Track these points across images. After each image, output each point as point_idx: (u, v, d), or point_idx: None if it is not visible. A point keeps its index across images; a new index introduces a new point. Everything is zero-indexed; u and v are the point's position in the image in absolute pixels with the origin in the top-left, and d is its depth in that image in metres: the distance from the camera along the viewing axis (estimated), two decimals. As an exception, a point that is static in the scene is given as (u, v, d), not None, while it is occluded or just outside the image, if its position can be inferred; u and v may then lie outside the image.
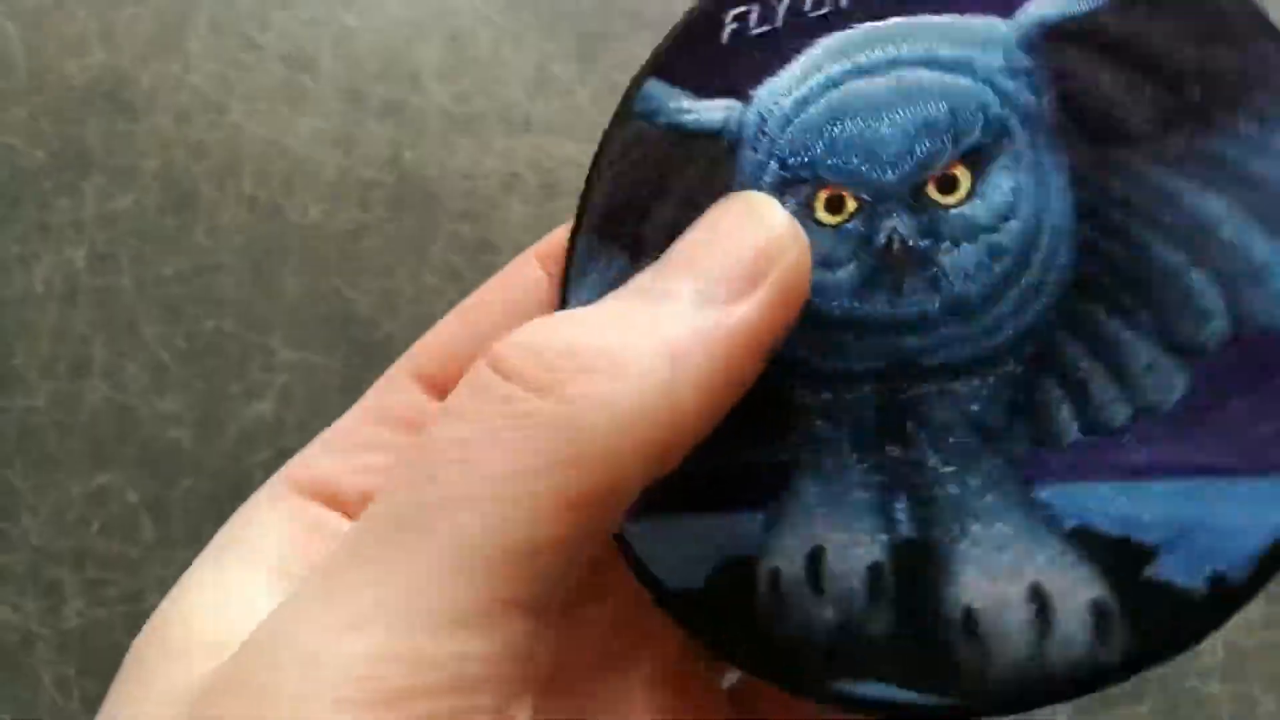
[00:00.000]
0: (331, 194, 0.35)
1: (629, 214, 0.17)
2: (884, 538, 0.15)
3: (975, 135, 0.16)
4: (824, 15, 0.17)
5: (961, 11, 0.16)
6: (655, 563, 0.16)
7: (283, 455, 0.23)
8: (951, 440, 0.15)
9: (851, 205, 0.16)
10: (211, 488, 0.33)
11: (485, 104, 0.35)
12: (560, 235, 0.19)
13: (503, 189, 0.34)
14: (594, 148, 0.36)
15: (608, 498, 0.13)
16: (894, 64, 0.16)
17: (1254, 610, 0.30)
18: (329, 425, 0.19)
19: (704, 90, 0.17)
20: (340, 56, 0.36)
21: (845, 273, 0.16)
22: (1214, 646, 0.30)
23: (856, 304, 0.16)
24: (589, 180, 0.18)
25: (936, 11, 0.16)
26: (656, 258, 0.16)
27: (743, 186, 0.17)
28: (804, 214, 0.16)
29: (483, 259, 0.34)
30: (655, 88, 0.18)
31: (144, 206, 0.35)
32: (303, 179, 0.35)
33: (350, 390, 0.35)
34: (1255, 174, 0.14)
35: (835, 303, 0.16)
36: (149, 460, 0.33)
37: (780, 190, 0.16)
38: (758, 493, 0.16)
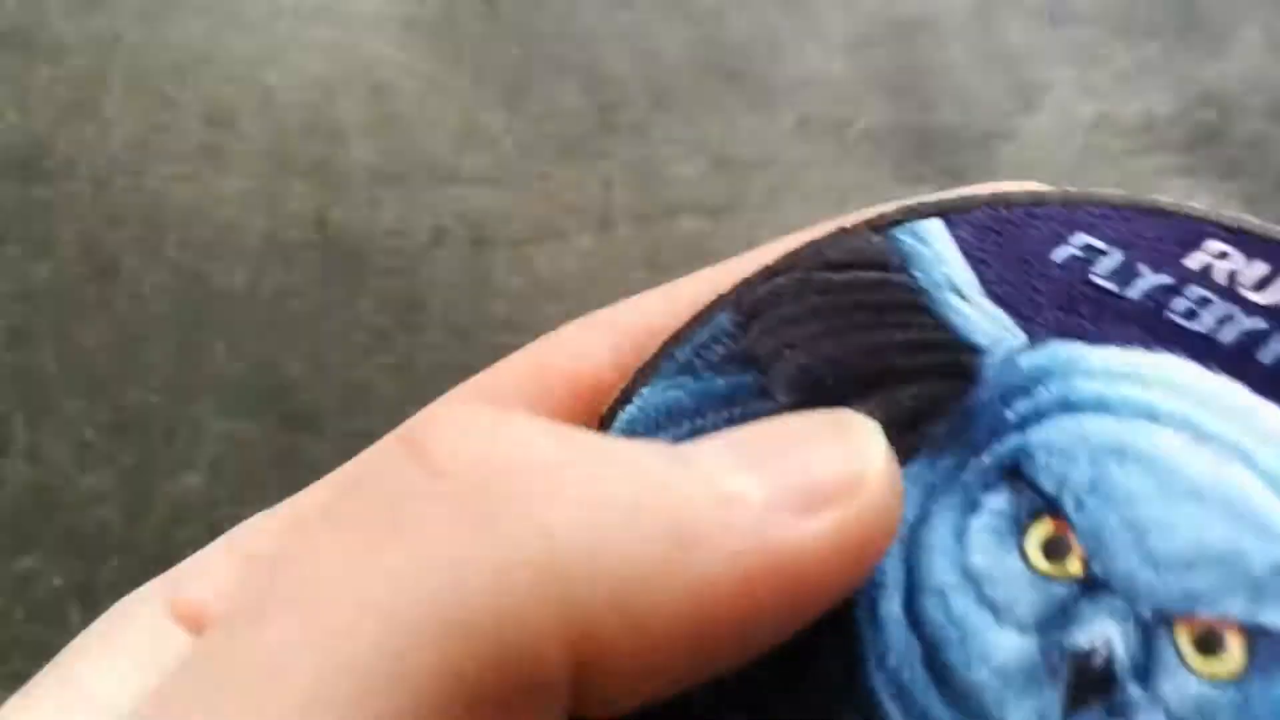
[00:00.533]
0: (257, 257, 0.34)
1: (794, 337, 0.13)
2: None
3: None
4: (1191, 331, 0.12)
5: None
6: None
7: (215, 530, 0.22)
8: None
9: (1075, 565, 0.11)
10: (141, 567, 0.32)
11: (411, 157, 0.34)
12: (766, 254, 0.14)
13: (430, 243, 0.34)
14: (522, 196, 0.35)
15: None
16: (1239, 454, 0.12)
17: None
18: (261, 496, 0.16)
19: (993, 287, 0.13)
20: (262, 114, 0.35)
21: (1013, 642, 0.11)
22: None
23: (1001, 692, 0.11)
24: (783, 258, 0.13)
25: None
26: (793, 407, 0.12)
27: (961, 433, 0.12)
28: (1012, 529, 0.12)
29: (411, 317, 0.33)
30: (936, 234, 0.13)
31: (63, 276, 0.34)
32: (227, 243, 0.34)
33: (282, 460, 0.34)
34: None
35: (976, 667, 0.11)
36: (74, 542, 0.32)
37: (999, 474, 0.12)
38: None
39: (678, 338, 0.13)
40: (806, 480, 0.10)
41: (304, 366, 0.33)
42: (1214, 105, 0.35)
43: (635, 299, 0.15)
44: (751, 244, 0.24)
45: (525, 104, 0.35)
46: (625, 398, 0.13)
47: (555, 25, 0.36)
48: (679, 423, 0.13)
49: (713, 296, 0.13)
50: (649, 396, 0.13)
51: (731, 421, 0.12)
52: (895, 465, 0.11)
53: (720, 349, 0.13)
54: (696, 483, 0.10)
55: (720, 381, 0.13)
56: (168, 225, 0.34)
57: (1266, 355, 0.12)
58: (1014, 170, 0.35)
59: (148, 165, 0.35)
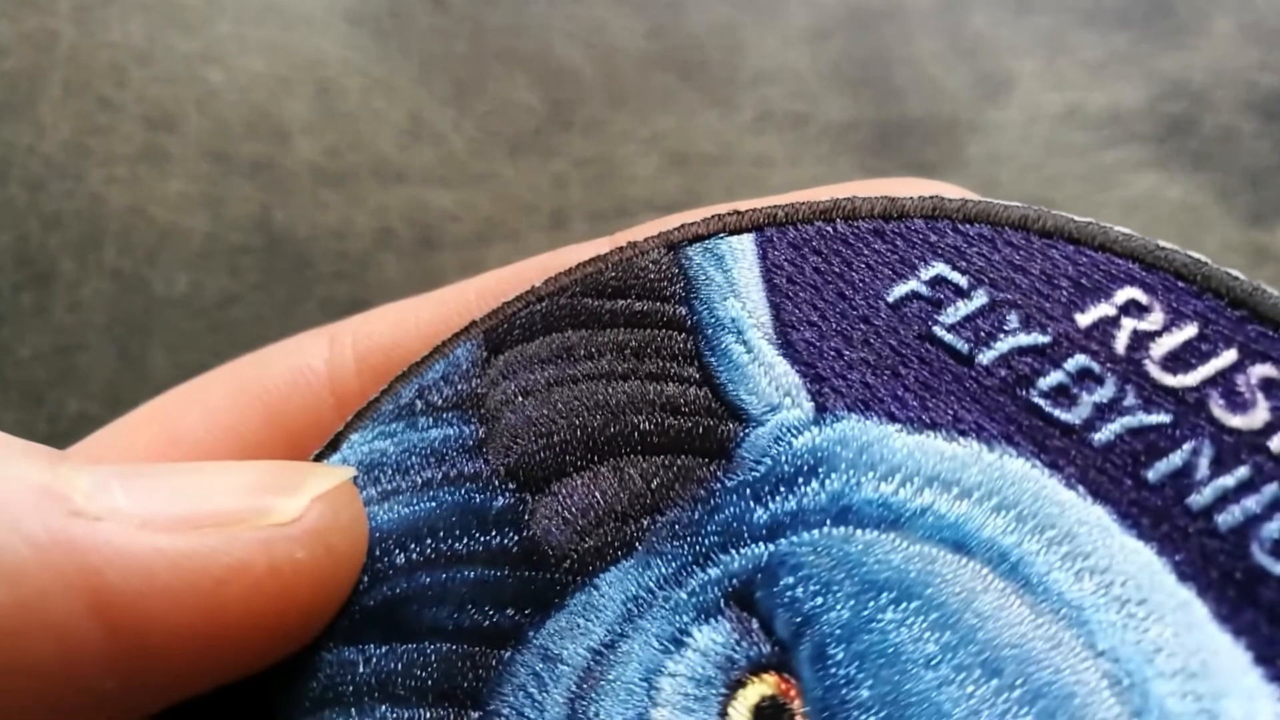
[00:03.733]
0: (199, 261, 0.33)
1: (535, 385, 0.11)
2: None
3: None
4: (1056, 421, 0.09)
5: (1270, 663, 0.08)
6: None
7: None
8: None
9: None
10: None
11: (357, 157, 0.33)
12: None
13: (377, 245, 0.32)
14: (472, 195, 0.34)
15: None
16: (1076, 619, 0.08)
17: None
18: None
19: (789, 332, 0.10)
20: (203, 114, 0.34)
21: None
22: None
23: None
24: (551, 280, 0.11)
25: (1227, 611, 0.08)
26: (508, 477, 0.10)
27: (694, 530, 0.09)
28: (717, 682, 0.09)
29: (356, 324, 0.32)
30: (740, 254, 0.10)
31: (-2, 285, 0.33)
32: (168, 248, 0.33)
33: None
34: None
35: None
36: (9, 560, 0.31)
37: (723, 598, 0.09)
38: None
39: (408, 373, 0.11)
40: (190, 503, 0.10)
41: (246, 374, 0.32)
42: (1184, 97, 0.35)
43: (389, 307, 0.14)
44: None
45: (474, 101, 0.34)
46: (335, 443, 0.11)
47: (505, 19, 0.35)
48: (377, 480, 0.11)
49: (471, 310, 0.11)
50: (357, 444, 0.11)
51: (434, 484, 0.10)
52: (316, 520, 0.10)
53: (449, 390, 0.11)
54: (34, 479, 0.09)
55: (435, 432, 0.11)
56: (106, 229, 0.33)
57: (1156, 471, 0.08)
58: (981, 164, 0.34)
59: (85, 168, 0.34)
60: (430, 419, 0.11)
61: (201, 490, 0.10)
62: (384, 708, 0.10)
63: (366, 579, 0.10)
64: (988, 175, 0.34)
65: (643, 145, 0.34)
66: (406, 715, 0.10)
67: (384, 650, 0.10)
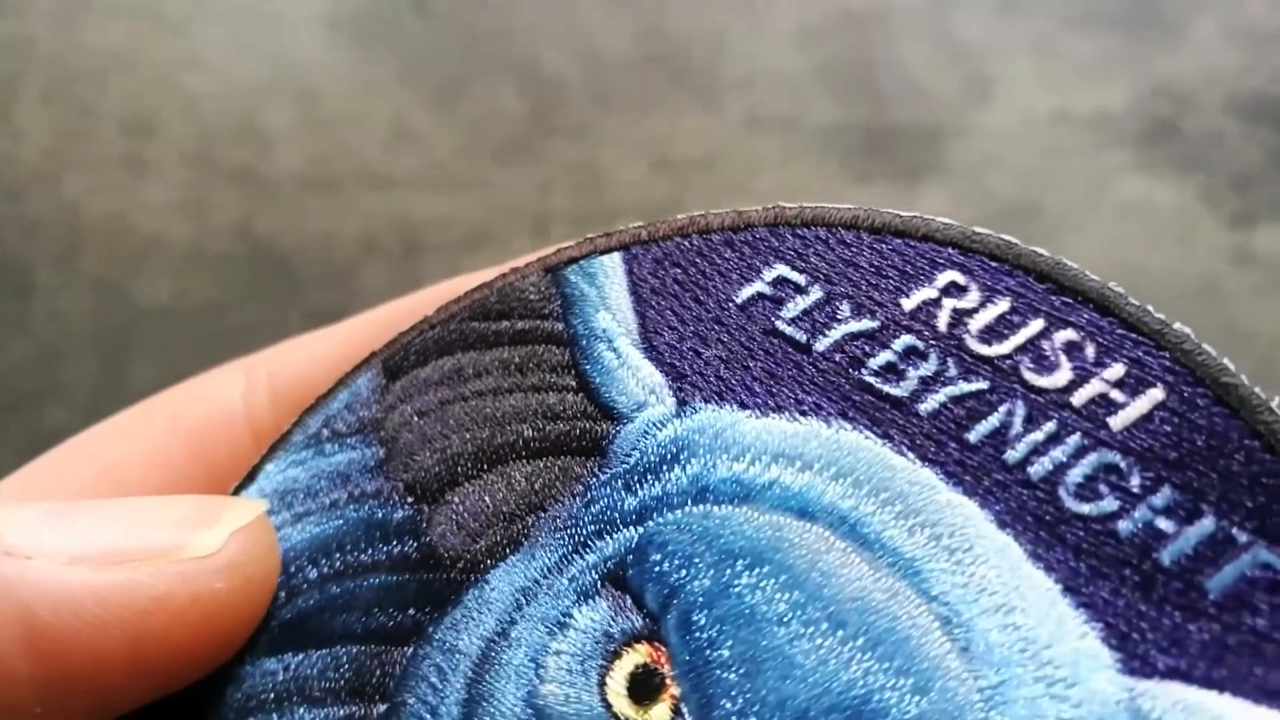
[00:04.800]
0: (181, 269, 0.32)
1: (429, 406, 0.11)
2: None
3: None
4: (886, 395, 0.10)
5: (1074, 587, 0.09)
6: None
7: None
8: None
9: (662, 711, 0.09)
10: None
11: (341, 163, 0.33)
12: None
13: (361, 253, 0.32)
14: (457, 201, 0.34)
15: None
16: (908, 570, 0.09)
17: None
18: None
19: (653, 337, 0.11)
20: (184, 121, 0.34)
21: None
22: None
23: None
24: (445, 308, 0.12)
25: (1041, 551, 0.09)
26: (407, 491, 0.11)
27: (571, 521, 0.10)
28: (596, 655, 0.10)
29: (341, 332, 0.32)
30: (610, 271, 0.11)
31: (-24, 294, 0.32)
32: (150, 256, 0.32)
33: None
34: None
35: None
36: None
37: (600, 580, 0.10)
38: None
39: (315, 405, 0.12)
40: (112, 539, 0.10)
41: (230, 384, 0.31)
42: (1171, 99, 0.35)
43: (300, 340, 0.15)
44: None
45: (459, 105, 0.34)
46: (252, 474, 0.12)
47: (490, 23, 0.35)
48: (290, 504, 0.12)
49: (375, 340, 0.12)
50: (271, 474, 0.12)
51: (340, 504, 0.11)
52: (234, 554, 0.11)
53: (352, 417, 0.12)
54: None
55: (340, 457, 0.11)
56: (87, 238, 0.33)
57: (977, 432, 0.10)
58: (969, 167, 0.34)
59: (65, 175, 0.33)
60: (336, 445, 0.12)
61: (124, 527, 0.11)
62: (302, 710, 0.11)
63: (283, 595, 0.11)
64: (975, 179, 0.33)
65: (629, 150, 0.34)
66: (322, 714, 0.11)
67: (300, 658, 0.11)
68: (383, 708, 0.10)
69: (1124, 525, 0.09)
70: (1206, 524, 0.09)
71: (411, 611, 0.11)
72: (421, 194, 0.33)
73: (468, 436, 0.11)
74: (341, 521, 0.11)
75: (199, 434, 0.14)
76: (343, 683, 0.11)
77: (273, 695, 0.11)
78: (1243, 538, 0.09)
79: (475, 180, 0.33)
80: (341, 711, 0.10)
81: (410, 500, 0.11)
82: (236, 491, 0.12)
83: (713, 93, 0.35)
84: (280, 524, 0.12)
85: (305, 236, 0.32)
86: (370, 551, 0.11)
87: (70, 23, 0.35)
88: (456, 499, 0.11)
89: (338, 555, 0.11)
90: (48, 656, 0.10)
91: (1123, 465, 0.09)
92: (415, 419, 0.12)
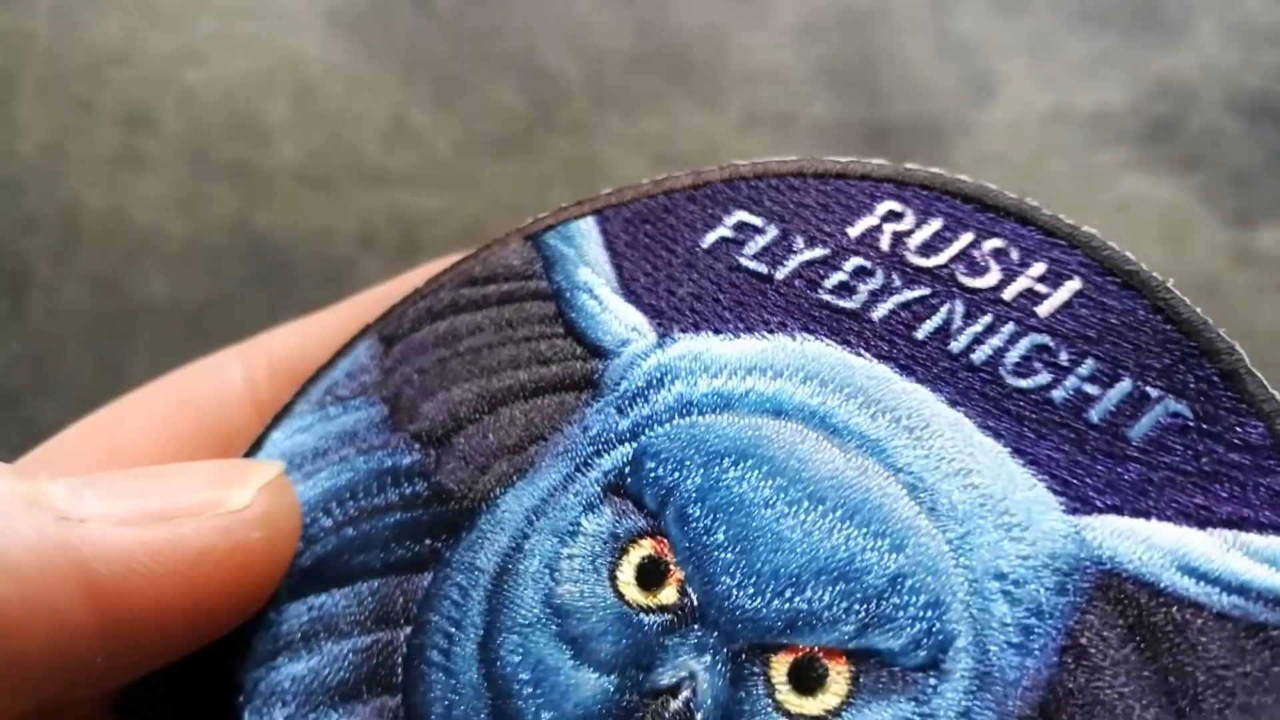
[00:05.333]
0: (178, 265, 0.32)
1: (426, 365, 0.12)
2: None
3: (897, 640, 0.10)
4: (840, 309, 0.11)
5: (1019, 446, 0.10)
6: None
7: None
8: None
9: (669, 594, 0.10)
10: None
11: (339, 158, 0.33)
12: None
13: (359, 248, 0.32)
14: (456, 197, 0.34)
15: None
16: (873, 449, 0.10)
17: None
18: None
19: (631, 284, 0.12)
20: (182, 115, 0.34)
21: (590, 682, 0.10)
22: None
23: None
24: (433, 279, 0.13)
25: (987, 420, 0.10)
26: (413, 439, 0.12)
27: (572, 445, 0.11)
28: (605, 553, 0.10)
29: (339, 328, 0.32)
30: (585, 232, 0.13)
31: (-27, 289, 0.32)
32: (146, 250, 0.32)
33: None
34: None
35: (545, 716, 0.10)
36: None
37: (607, 491, 0.11)
38: None
39: (316, 376, 0.13)
40: (155, 502, 0.11)
41: (227, 379, 0.31)
42: (1171, 97, 0.35)
43: (287, 327, 0.16)
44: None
45: (458, 101, 0.34)
46: (258, 443, 0.13)
47: (490, 18, 0.35)
48: (300, 465, 0.12)
49: (364, 318, 0.13)
50: (278, 441, 0.13)
51: (349, 458, 0.12)
52: (263, 507, 0.11)
53: (353, 383, 0.13)
54: (21, 496, 0.11)
55: (345, 418, 0.12)
56: (84, 232, 0.32)
57: (924, 329, 0.11)
58: (968, 164, 0.34)
59: (62, 170, 0.33)
60: (340, 408, 0.13)
61: (162, 490, 0.11)
62: (329, 643, 0.12)
63: (301, 544, 0.12)
64: (974, 176, 0.33)
65: (628, 146, 0.34)
66: (348, 645, 0.12)
67: (324, 598, 0.12)
68: (408, 630, 0.11)
69: (1057, 393, 0.11)
70: (1124, 385, 0.11)
71: (428, 541, 0.11)
72: (420, 190, 0.33)
73: (467, 386, 0.12)
74: (352, 472, 0.12)
75: (204, 411, 0.15)
76: (368, 613, 0.12)
77: (299, 634, 0.12)
78: (1154, 393, 0.11)
79: (474, 176, 0.33)
80: (368, 639, 0.11)
81: (418, 447, 0.12)
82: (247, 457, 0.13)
83: (712, 89, 0.35)
84: (292, 483, 0.13)
85: (303, 232, 0.32)
86: (382, 495, 0.12)
87: (68, 16, 0.35)
88: (461, 440, 0.12)
89: (350, 502, 0.12)
90: (108, 609, 0.11)
91: (1052, 344, 0.11)
92: (415, 376, 0.12)
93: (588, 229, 0.13)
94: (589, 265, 0.13)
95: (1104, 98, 0.35)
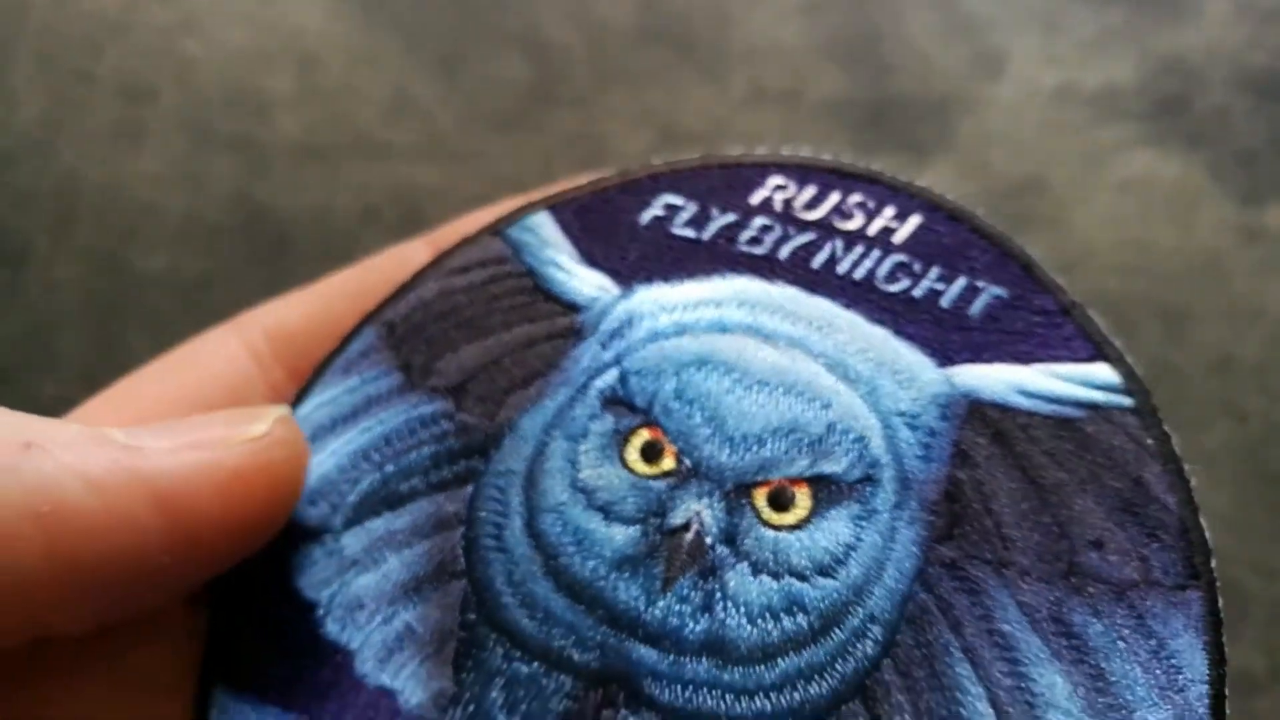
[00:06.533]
0: (177, 239, 0.32)
1: (433, 336, 0.15)
2: None
3: (839, 465, 0.14)
4: (754, 255, 0.15)
5: (898, 330, 0.15)
6: None
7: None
8: None
9: (668, 463, 0.14)
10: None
11: (339, 132, 0.33)
12: (464, 227, 0.17)
13: (360, 223, 0.32)
14: (458, 172, 0.33)
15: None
16: (797, 344, 0.15)
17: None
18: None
19: (589, 254, 0.16)
20: (181, 88, 0.33)
21: (622, 533, 0.14)
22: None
23: (610, 578, 0.13)
24: (416, 274, 0.16)
25: (872, 316, 0.15)
26: (433, 391, 0.15)
27: (570, 377, 0.15)
28: (613, 444, 0.14)
29: (341, 303, 0.31)
30: (541, 223, 0.16)
31: (-31, 263, 0.32)
32: (145, 224, 0.32)
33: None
34: (1111, 672, 0.12)
35: (589, 564, 0.13)
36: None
37: (605, 403, 0.14)
38: None
39: (330, 357, 0.16)
40: (192, 436, 0.14)
41: (228, 355, 0.31)
42: (1178, 74, 0.34)
43: (281, 300, 0.18)
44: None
45: (461, 75, 0.33)
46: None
47: (492, -9, 0.34)
48: (332, 429, 0.15)
49: (356, 294, 0.16)
50: (306, 414, 0.15)
51: (376, 414, 0.15)
52: (279, 433, 0.14)
53: (366, 360, 0.15)
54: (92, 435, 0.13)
55: (367, 389, 0.15)
56: (82, 206, 0.32)
57: (817, 261, 0.15)
58: (973, 142, 0.33)
59: (60, 143, 0.33)
60: (358, 379, 0.15)
61: (197, 427, 0.14)
62: (393, 554, 0.14)
63: (346, 486, 0.15)
64: (981, 153, 0.33)
65: (632, 121, 0.33)
66: (409, 553, 0.14)
67: (379, 522, 0.14)
68: (462, 529, 0.14)
69: (917, 292, 0.15)
70: (961, 282, 0.15)
71: (463, 463, 0.15)
72: (422, 164, 0.32)
73: (469, 348, 0.15)
74: (383, 426, 0.15)
75: (215, 381, 0.17)
76: (424, 524, 0.14)
77: (364, 553, 0.14)
78: (981, 284, 0.15)
79: (476, 151, 0.33)
80: (429, 543, 0.14)
81: (438, 396, 0.15)
82: None
83: (717, 65, 0.34)
84: (327, 447, 0.15)
85: (303, 206, 0.32)
86: (414, 437, 0.15)
87: (64, -13, 0.34)
88: (474, 386, 0.15)
89: (387, 447, 0.15)
90: (172, 516, 0.13)
91: (907, 261, 0.15)
92: (423, 346, 0.15)
93: (543, 220, 0.16)
94: (552, 246, 0.16)
95: (1111, 75, 0.34)
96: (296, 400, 0.16)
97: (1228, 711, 0.12)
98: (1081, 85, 0.34)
